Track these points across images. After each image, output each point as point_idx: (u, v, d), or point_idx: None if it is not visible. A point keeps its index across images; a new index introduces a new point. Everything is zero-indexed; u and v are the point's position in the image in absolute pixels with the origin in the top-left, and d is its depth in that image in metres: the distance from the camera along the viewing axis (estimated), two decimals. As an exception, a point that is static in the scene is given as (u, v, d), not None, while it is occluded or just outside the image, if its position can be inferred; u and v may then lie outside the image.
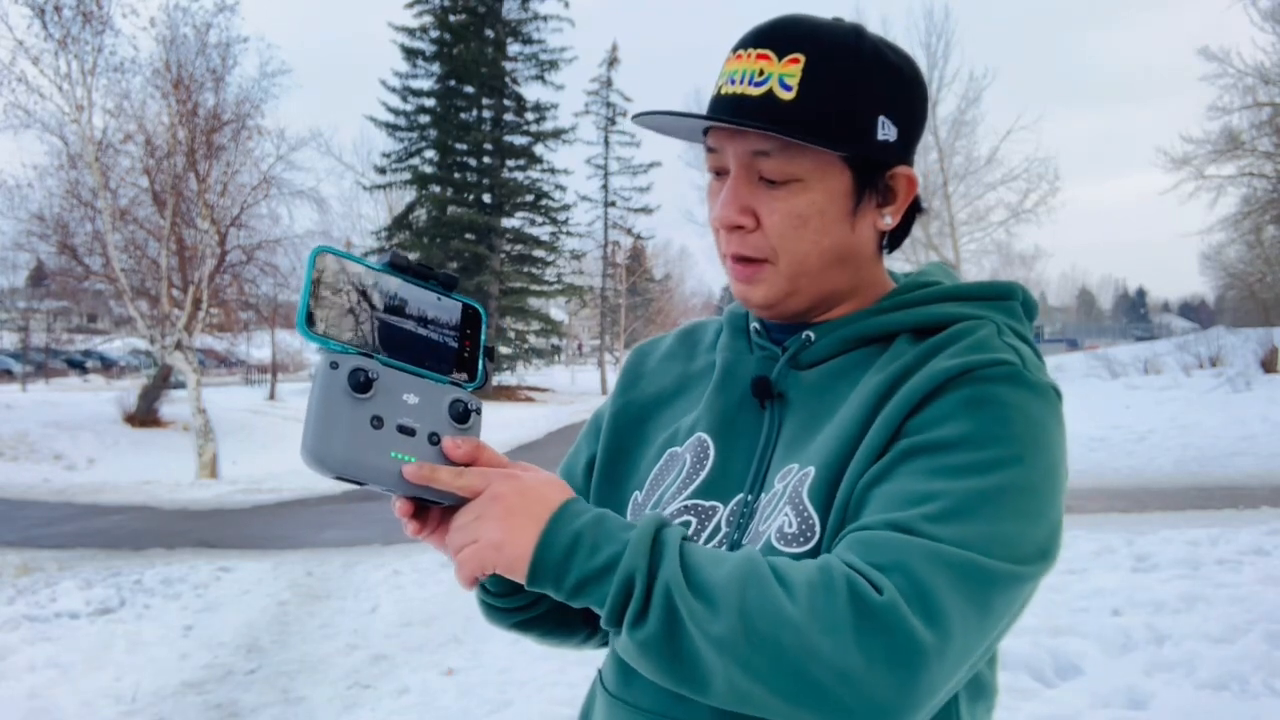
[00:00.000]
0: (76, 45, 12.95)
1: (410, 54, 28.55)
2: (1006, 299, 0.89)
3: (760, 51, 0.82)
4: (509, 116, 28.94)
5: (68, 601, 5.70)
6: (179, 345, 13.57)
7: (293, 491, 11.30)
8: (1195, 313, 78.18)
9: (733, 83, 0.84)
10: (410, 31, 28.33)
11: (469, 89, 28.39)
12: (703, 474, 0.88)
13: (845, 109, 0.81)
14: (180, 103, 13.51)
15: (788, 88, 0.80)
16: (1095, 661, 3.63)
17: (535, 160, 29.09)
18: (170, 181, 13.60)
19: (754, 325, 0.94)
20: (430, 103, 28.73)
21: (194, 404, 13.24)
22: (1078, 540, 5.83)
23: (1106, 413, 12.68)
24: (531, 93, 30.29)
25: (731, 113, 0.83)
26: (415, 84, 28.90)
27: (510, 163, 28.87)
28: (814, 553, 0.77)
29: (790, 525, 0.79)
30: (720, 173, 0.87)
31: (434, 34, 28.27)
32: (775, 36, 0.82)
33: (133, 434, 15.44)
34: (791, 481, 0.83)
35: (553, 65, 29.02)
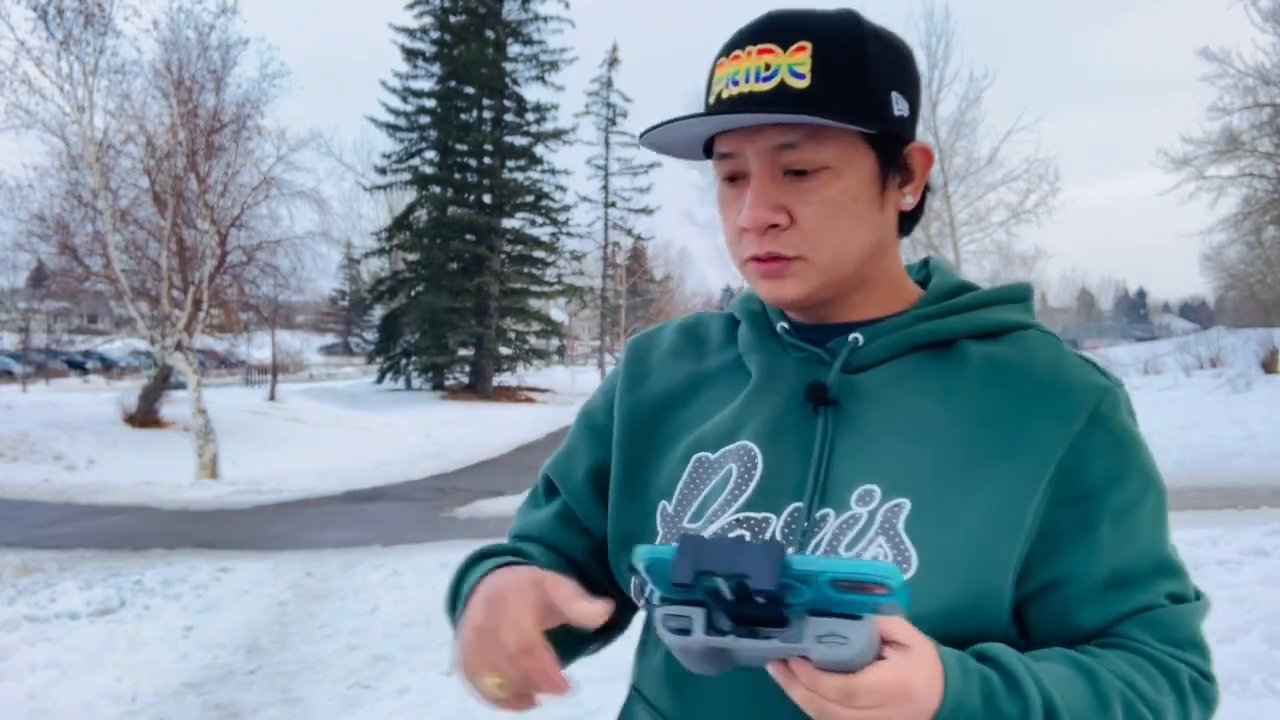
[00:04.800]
0: (78, 46, 12.96)
1: (410, 55, 28.55)
2: (1029, 299, 0.92)
3: (761, 47, 0.80)
4: (509, 117, 28.93)
5: (68, 602, 5.70)
6: (179, 346, 13.57)
7: (293, 492, 11.31)
8: (1195, 313, 78.22)
9: (735, 84, 0.80)
10: (410, 32, 28.33)
11: (469, 90, 28.38)
12: (752, 484, 0.83)
13: (862, 87, 0.79)
14: (181, 104, 13.51)
15: (800, 76, 0.78)
16: (1095, 662, 3.63)
17: (536, 161, 29.08)
18: (171, 182, 13.60)
19: (782, 325, 0.90)
20: (430, 103, 28.72)
21: (194, 405, 13.24)
22: (1078, 541, 5.83)
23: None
24: (532, 93, 30.35)
25: (743, 110, 0.79)
26: (415, 85, 28.91)
27: (511, 163, 28.87)
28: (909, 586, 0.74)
29: (886, 557, 0.77)
30: (735, 178, 0.83)
31: (434, 35, 28.26)
32: (774, 29, 0.80)
33: (133, 434, 15.43)
34: (880, 510, 0.78)
35: (553, 66, 29.02)
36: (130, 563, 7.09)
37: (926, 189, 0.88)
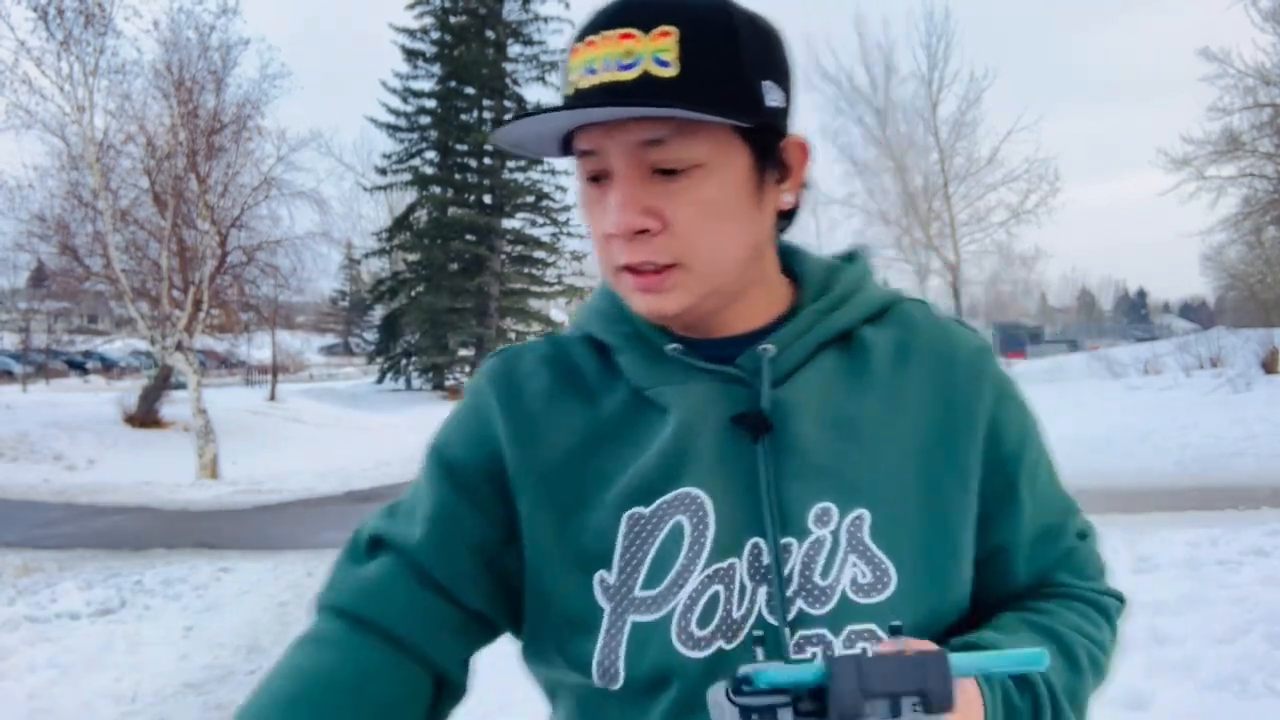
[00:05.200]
0: (78, 46, 12.97)
1: (411, 55, 28.57)
2: (867, 259, 0.90)
3: (622, 31, 0.71)
4: (510, 118, 28.90)
5: (68, 602, 5.70)
6: (179, 346, 13.58)
7: (293, 492, 11.31)
8: (1196, 313, 78.15)
9: (592, 72, 0.72)
10: (411, 33, 28.34)
11: (470, 90, 28.39)
12: (709, 533, 0.75)
13: (733, 76, 0.72)
14: (181, 104, 13.53)
15: (665, 64, 0.70)
16: (1096, 662, 3.63)
17: (536, 161, 29.05)
18: (171, 182, 13.61)
19: (672, 346, 0.79)
20: (431, 104, 28.73)
21: (194, 405, 13.25)
22: (1078, 541, 5.83)
23: (1107, 413, 12.68)
24: (532, 94, 30.28)
25: (604, 102, 0.71)
26: (416, 85, 28.92)
27: (511, 163, 28.86)
28: (892, 603, 0.74)
29: (864, 576, 0.75)
30: (598, 177, 0.75)
31: (435, 35, 28.28)
32: (635, 11, 0.72)
33: (133, 434, 15.44)
34: (843, 526, 0.75)
35: (553, 66, 29.00)
36: (130, 563, 7.09)
37: (804, 186, 0.82)
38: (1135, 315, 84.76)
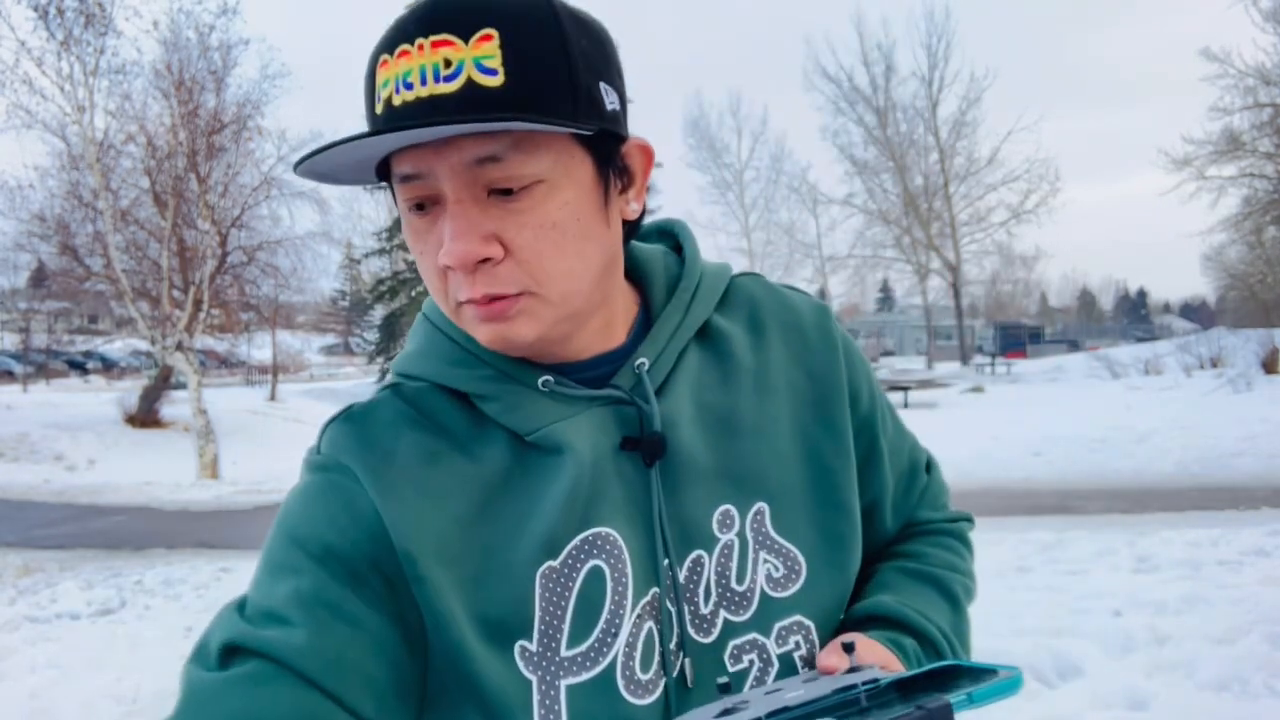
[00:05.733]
0: (79, 46, 12.96)
1: (411, 55, 28.64)
2: (687, 231, 0.87)
3: (437, 39, 0.63)
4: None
5: (68, 602, 5.71)
6: (180, 346, 13.58)
7: (293, 492, 11.30)
8: (1196, 313, 78.11)
9: (408, 87, 0.63)
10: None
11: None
12: (628, 569, 0.70)
13: (566, 81, 0.65)
14: (182, 104, 13.53)
15: (490, 71, 0.63)
16: (1096, 662, 3.63)
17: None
18: (171, 182, 13.62)
19: (544, 379, 0.72)
20: (431, 104, 28.81)
21: (194, 405, 13.25)
22: (1079, 541, 5.83)
23: (1107, 413, 12.68)
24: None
25: (427, 118, 0.63)
26: (416, 85, 28.99)
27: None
28: (807, 590, 0.75)
29: (777, 570, 0.75)
30: (425, 204, 0.67)
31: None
32: (448, 16, 0.64)
33: (133, 435, 15.45)
34: (745, 524, 0.74)
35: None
36: (131, 563, 7.10)
37: (647, 191, 0.76)
38: (1135, 315, 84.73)
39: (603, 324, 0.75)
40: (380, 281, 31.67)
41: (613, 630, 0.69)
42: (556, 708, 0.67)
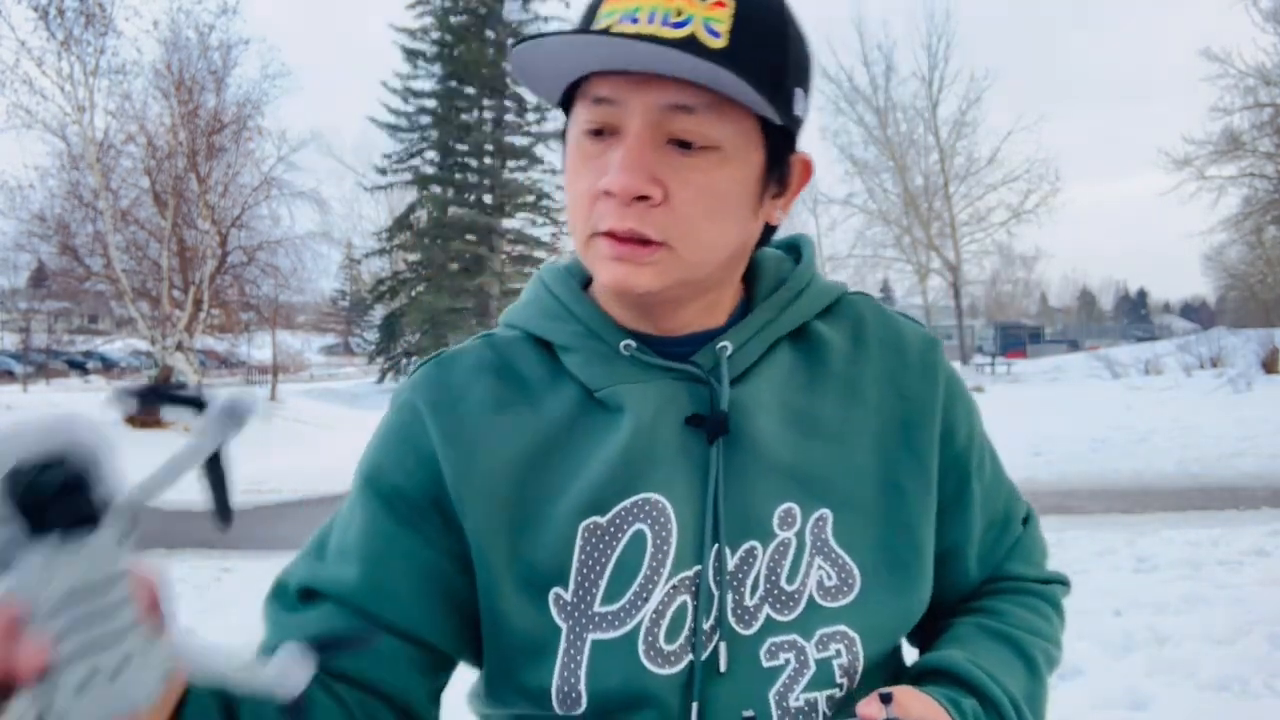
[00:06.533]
0: (79, 46, 12.98)
1: (411, 55, 28.58)
2: (810, 246, 0.88)
3: None
4: (510, 117, 28.94)
5: (68, 602, 5.71)
6: (180, 346, 13.59)
7: (294, 492, 11.31)
8: (1196, 313, 78.15)
9: (633, 20, 0.65)
10: (411, 33, 28.35)
11: (470, 90, 28.40)
12: (673, 540, 0.71)
13: (778, 68, 0.68)
14: (182, 104, 13.55)
15: (716, 34, 0.65)
16: (1096, 662, 3.63)
17: (536, 161, 29.09)
18: (171, 182, 13.63)
19: (626, 343, 0.74)
20: (431, 103, 28.75)
21: (195, 405, 13.25)
22: (1079, 541, 5.83)
23: (1107, 413, 12.68)
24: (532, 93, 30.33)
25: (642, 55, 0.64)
26: (416, 85, 28.94)
27: (511, 163, 28.88)
28: (859, 602, 0.74)
29: (830, 579, 0.73)
30: (603, 131, 0.69)
31: (435, 35, 28.29)
32: None
33: (133, 434, 15.44)
34: (807, 528, 0.73)
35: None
36: (131, 563, 7.10)
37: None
38: (1135, 315, 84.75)
39: (708, 305, 0.76)
40: (380, 281, 31.66)
41: (644, 595, 0.70)
42: (580, 658, 0.70)
